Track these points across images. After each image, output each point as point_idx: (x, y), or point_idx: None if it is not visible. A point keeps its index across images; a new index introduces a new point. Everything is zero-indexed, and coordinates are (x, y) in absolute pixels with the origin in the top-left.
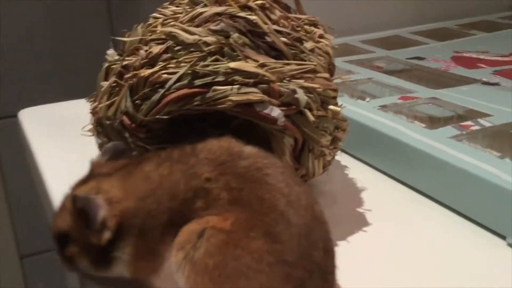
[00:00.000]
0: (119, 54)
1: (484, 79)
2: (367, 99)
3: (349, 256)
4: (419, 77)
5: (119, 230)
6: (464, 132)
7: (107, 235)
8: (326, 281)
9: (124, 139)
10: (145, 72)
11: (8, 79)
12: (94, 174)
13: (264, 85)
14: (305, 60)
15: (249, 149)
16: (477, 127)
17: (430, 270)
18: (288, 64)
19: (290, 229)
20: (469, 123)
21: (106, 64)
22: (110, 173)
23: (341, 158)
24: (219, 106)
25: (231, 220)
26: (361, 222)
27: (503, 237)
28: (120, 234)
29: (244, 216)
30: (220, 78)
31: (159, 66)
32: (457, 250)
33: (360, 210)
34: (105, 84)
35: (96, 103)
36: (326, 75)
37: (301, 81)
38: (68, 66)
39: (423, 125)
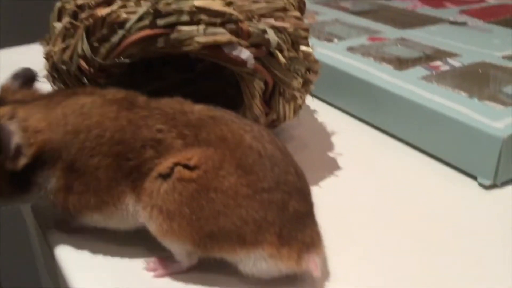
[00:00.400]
0: None
1: (451, 19)
2: (335, 40)
3: (320, 200)
4: (386, 17)
5: (40, 159)
6: (433, 73)
7: (23, 161)
8: (305, 201)
9: (83, 85)
10: (102, 11)
11: None
12: (5, 100)
13: (232, 25)
14: None
15: (200, 106)
16: (446, 67)
17: (401, 212)
18: (257, 1)
19: (261, 160)
20: (438, 63)
21: (59, 4)
22: (26, 101)
23: (310, 102)
24: (185, 48)
25: (195, 159)
26: (332, 167)
27: (474, 177)
28: (43, 163)
29: (209, 153)
30: (185, 18)
31: (117, 4)
32: (428, 191)
33: (331, 154)
34: (59, 25)
35: (50, 47)
36: (297, 13)
37: (271, 20)
38: (18, 7)
39: (392, 67)
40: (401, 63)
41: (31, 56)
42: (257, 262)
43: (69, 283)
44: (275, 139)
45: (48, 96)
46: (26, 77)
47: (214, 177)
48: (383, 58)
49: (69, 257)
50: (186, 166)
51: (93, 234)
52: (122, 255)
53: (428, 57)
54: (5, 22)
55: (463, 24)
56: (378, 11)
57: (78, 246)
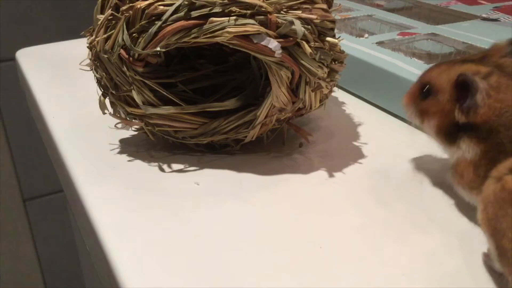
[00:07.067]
0: None
1: (483, 15)
2: (366, 35)
3: (346, 185)
4: (419, 14)
5: (476, 126)
6: None
7: (462, 119)
8: None
9: (122, 73)
10: (141, 4)
11: (5, 23)
12: (490, 59)
13: (262, 17)
14: None
15: None
16: None
17: (424, 200)
18: None
19: None
20: None
21: None
22: (506, 70)
23: (338, 94)
24: (216, 38)
25: None
26: (356, 155)
27: None
28: (474, 130)
29: None
30: (217, 10)
31: None
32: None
33: (356, 143)
34: (102, 17)
35: (93, 37)
36: (324, 6)
37: (298, 12)
38: (64, 6)
39: (422, 61)
40: (431, 58)
41: (74, 50)
42: None
43: None
44: None
45: None
46: None
47: None
48: (413, 53)
49: None
50: None
51: None
52: None
53: (458, 52)
54: (52, 20)
55: (495, 20)
56: (411, 8)
57: None
